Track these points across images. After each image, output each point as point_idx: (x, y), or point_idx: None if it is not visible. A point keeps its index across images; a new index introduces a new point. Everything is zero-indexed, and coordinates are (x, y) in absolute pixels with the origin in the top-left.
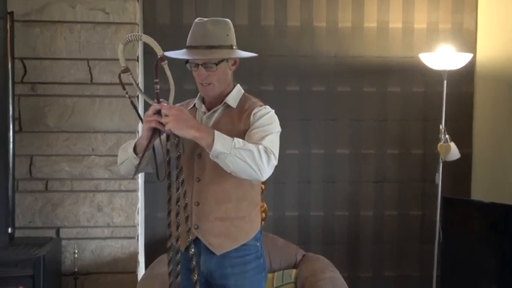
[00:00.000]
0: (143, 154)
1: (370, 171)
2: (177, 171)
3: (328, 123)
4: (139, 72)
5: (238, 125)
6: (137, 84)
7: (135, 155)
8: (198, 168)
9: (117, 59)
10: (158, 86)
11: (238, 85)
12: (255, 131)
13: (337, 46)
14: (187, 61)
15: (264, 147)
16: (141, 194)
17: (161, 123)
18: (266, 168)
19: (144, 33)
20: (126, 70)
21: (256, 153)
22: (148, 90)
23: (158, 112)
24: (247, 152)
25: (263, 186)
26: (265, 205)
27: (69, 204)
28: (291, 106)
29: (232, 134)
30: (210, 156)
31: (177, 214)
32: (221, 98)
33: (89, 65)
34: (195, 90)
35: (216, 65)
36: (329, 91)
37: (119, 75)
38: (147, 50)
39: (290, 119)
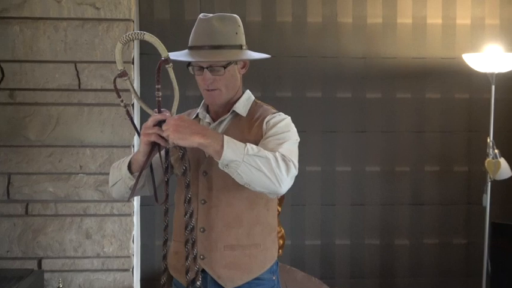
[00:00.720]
0: (140, 172)
1: (405, 192)
2: (185, 189)
3: (355, 135)
4: (135, 76)
5: (249, 136)
6: (135, 91)
7: (130, 175)
8: (203, 188)
9: (109, 62)
10: (160, 93)
11: (248, 91)
12: (269, 139)
13: (365, 45)
14: (189, 64)
15: (282, 154)
16: (136, 219)
17: (162, 137)
18: (285, 178)
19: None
20: (123, 74)
21: (273, 160)
22: (145, 97)
23: (159, 123)
24: (262, 159)
25: (279, 209)
26: (282, 230)
27: (53, 230)
28: (312, 115)
29: None
30: (220, 166)
31: (186, 242)
32: (229, 106)
33: (76, 69)
34: (198, 97)
35: (224, 68)
36: (357, 98)
37: (114, 79)
38: (144, 50)
39: (311, 131)
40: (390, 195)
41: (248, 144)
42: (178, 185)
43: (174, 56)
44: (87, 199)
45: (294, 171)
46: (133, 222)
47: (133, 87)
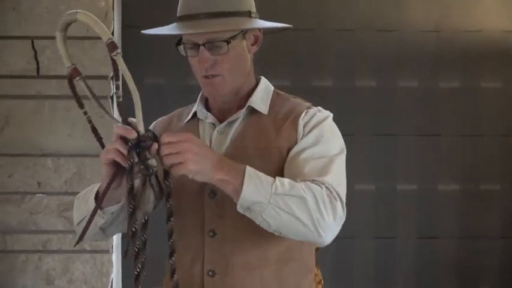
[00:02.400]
0: (97, 206)
1: (495, 221)
2: (168, 221)
3: (424, 140)
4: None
5: (278, 141)
6: (94, 94)
7: (100, 210)
8: (211, 215)
9: (81, 37)
10: (120, 92)
11: (264, 78)
12: (306, 154)
13: (438, 15)
14: (179, 41)
15: (326, 188)
16: (116, 257)
17: (124, 155)
18: (329, 225)
19: None
20: (73, 73)
21: (311, 201)
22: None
23: (125, 138)
24: (296, 199)
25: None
26: (319, 273)
27: (1, 272)
28: (362, 112)
29: (268, 159)
30: (239, 209)
31: None
32: (239, 100)
33: (33, 47)
34: (199, 87)
35: (228, 43)
36: (426, 88)
37: (69, 80)
38: (128, 22)
39: (361, 134)
40: (474, 225)
41: (278, 178)
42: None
43: (159, 30)
44: (48, 229)
45: (342, 214)
46: (111, 261)
47: (90, 90)
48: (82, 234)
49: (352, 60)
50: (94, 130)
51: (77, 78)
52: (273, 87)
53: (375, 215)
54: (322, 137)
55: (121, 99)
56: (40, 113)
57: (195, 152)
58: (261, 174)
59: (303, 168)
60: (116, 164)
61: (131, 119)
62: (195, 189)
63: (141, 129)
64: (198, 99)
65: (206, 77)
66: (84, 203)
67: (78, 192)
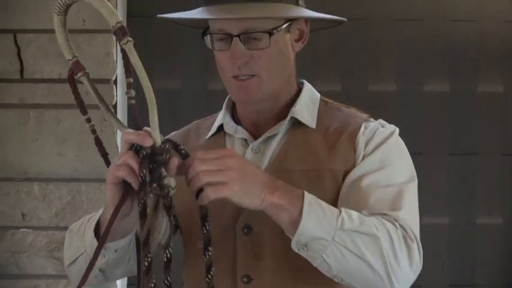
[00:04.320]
0: (103, 238)
1: None
2: (205, 251)
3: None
4: (118, 53)
5: (330, 163)
6: (99, 94)
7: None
8: (245, 256)
9: (75, 30)
10: (133, 92)
11: (307, 83)
12: (369, 180)
13: None
14: (205, 30)
15: (401, 226)
16: None
17: (135, 172)
18: (405, 273)
19: None
20: (75, 68)
21: (385, 242)
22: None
23: (135, 149)
24: (367, 238)
25: None
26: None
27: None
28: (432, 125)
29: (319, 185)
30: (293, 246)
31: None
32: (278, 110)
33: (16, 43)
34: (223, 91)
35: (270, 35)
36: None
37: (70, 78)
38: (134, 11)
39: (431, 152)
40: None
41: (344, 210)
42: (187, 255)
43: (175, 15)
44: (34, 273)
45: (419, 260)
46: None
47: (94, 89)
48: (83, 280)
49: (419, 59)
50: (98, 142)
51: (79, 75)
52: (318, 94)
53: (450, 256)
54: (388, 159)
55: (134, 102)
56: (24, 126)
57: (241, 170)
58: (323, 203)
59: (368, 199)
60: (125, 184)
61: (146, 128)
62: (224, 222)
63: (157, 138)
64: (223, 108)
65: (237, 77)
66: (79, 238)
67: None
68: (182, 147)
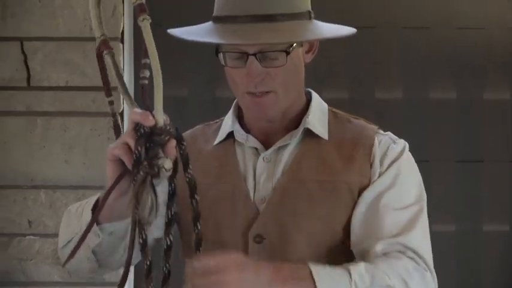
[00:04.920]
0: (95, 216)
1: None
2: (197, 249)
3: None
4: (125, 60)
5: (346, 175)
6: (120, 74)
7: (96, 226)
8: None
9: (80, 38)
10: (148, 73)
11: (314, 93)
12: (385, 200)
13: None
14: (217, 46)
15: (411, 258)
16: None
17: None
18: None
19: None
20: (104, 45)
21: (400, 287)
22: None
23: (140, 130)
24: None
25: None
26: None
27: None
28: (439, 133)
29: (335, 196)
30: None
31: None
32: (289, 121)
33: (23, 51)
34: (230, 98)
35: (287, 54)
36: None
37: (98, 54)
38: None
39: (437, 160)
40: None
41: (352, 270)
42: (184, 249)
43: (187, 33)
44: (41, 280)
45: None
46: None
47: (117, 69)
48: (73, 252)
49: (425, 66)
50: (117, 128)
51: (105, 53)
52: (326, 104)
53: (456, 263)
54: (398, 176)
55: (147, 82)
56: (31, 133)
57: (239, 285)
58: (329, 270)
59: (383, 221)
60: (123, 163)
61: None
62: (234, 229)
63: (160, 119)
64: (231, 115)
65: (252, 94)
66: (77, 218)
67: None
68: (184, 143)
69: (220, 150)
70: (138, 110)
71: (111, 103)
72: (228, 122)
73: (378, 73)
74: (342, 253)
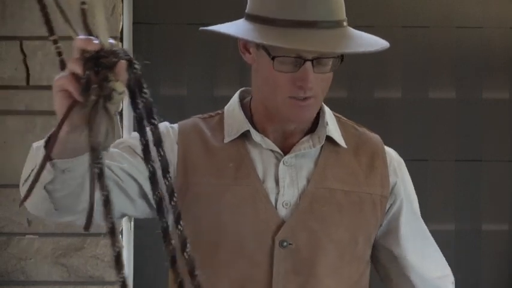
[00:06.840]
0: (50, 146)
1: None
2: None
3: None
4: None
5: (369, 186)
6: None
7: (49, 161)
8: (284, 272)
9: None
10: None
11: None
12: (408, 230)
13: None
14: (267, 50)
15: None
16: None
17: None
18: None
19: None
20: None
21: None
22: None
23: (90, 59)
24: None
25: None
26: None
27: None
28: (437, 132)
29: (360, 208)
30: None
31: None
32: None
33: (23, 50)
34: (229, 97)
35: (341, 60)
36: None
37: None
38: (139, 18)
39: (436, 158)
40: None
41: None
42: (211, 265)
43: (261, 37)
44: (40, 279)
45: None
46: None
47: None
48: (29, 190)
49: (424, 66)
50: (63, 65)
51: None
52: (328, 109)
53: (455, 263)
54: (412, 190)
55: (86, 6)
56: (30, 133)
57: None
58: None
59: (411, 255)
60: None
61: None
62: (258, 231)
63: (105, 42)
64: (240, 114)
65: (295, 98)
66: (35, 154)
67: (77, 233)
68: (137, 63)
69: (232, 149)
70: (81, 36)
71: (55, 42)
72: (237, 121)
73: (376, 72)
74: (359, 262)
